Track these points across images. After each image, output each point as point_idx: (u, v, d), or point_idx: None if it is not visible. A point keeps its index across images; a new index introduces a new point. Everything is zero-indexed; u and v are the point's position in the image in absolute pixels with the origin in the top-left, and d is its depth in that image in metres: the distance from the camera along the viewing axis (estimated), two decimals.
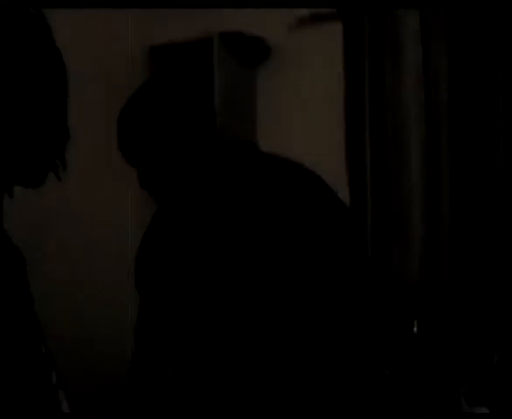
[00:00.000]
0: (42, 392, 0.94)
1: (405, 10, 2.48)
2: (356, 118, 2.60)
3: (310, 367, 1.42)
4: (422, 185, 2.47)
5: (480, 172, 2.37)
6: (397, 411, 1.84)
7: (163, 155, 1.52)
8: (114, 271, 2.71)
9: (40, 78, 0.96)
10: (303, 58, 2.78)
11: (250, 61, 2.92)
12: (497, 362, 2.20)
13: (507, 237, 2.34)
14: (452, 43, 2.42)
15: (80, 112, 2.68)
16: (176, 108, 1.54)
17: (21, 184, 0.99)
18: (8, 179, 0.98)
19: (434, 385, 2.25)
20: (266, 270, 1.42)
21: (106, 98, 2.79)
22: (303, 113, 2.79)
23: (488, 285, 2.36)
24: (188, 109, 1.56)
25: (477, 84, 2.38)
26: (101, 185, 2.83)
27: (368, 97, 2.57)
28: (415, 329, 2.30)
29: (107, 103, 2.82)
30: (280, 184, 1.48)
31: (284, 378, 1.40)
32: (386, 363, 2.25)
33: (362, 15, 2.57)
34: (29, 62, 0.94)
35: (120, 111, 1.61)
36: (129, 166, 1.58)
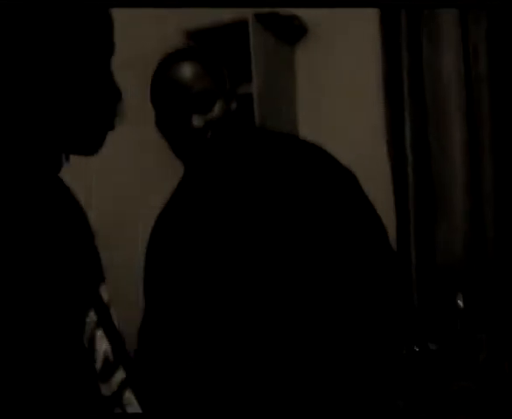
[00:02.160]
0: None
1: None
2: (395, 95, 2.58)
3: (323, 367, 1.41)
4: (464, 160, 2.45)
5: None
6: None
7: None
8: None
9: (90, 41, 0.95)
10: (340, 36, 2.77)
11: (287, 38, 2.91)
12: None
13: None
14: (490, 16, 2.37)
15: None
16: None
17: (78, 152, 0.97)
18: (65, 147, 0.95)
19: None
20: (289, 268, 1.42)
21: (142, 82, 2.83)
22: (342, 90, 2.78)
23: None
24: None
25: None
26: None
27: (406, 73, 2.55)
28: (460, 303, 2.29)
29: (144, 88, 2.87)
30: (312, 179, 1.49)
31: (293, 380, 1.39)
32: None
33: None
34: (79, 26, 0.93)
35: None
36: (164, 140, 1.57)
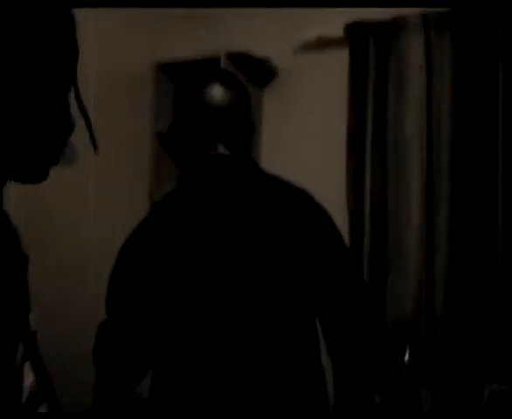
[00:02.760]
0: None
1: (410, 43, 2.50)
2: (358, 145, 2.62)
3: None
4: (420, 215, 2.48)
5: (481, 202, 2.38)
6: None
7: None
8: None
9: (47, 67, 0.86)
10: (309, 83, 2.81)
11: (257, 81, 2.95)
12: (488, 394, 2.20)
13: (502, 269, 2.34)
14: (455, 77, 2.43)
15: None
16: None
17: (21, 180, 0.89)
18: (7, 173, 0.88)
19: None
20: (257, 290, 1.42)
21: (113, 114, 2.83)
22: (307, 136, 2.81)
23: (482, 318, 2.36)
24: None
25: (478, 118, 2.39)
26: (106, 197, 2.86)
27: (371, 125, 2.59)
28: (406, 357, 2.30)
29: (114, 120, 2.87)
30: (276, 204, 1.49)
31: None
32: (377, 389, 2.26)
33: (367, 41, 2.60)
34: (38, 49, 0.84)
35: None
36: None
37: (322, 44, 2.76)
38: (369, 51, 2.61)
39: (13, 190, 0.93)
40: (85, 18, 2.69)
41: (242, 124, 1.49)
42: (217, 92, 1.46)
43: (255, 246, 1.44)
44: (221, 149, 1.45)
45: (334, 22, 2.68)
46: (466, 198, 2.40)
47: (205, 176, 1.48)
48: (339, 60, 2.69)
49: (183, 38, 3.07)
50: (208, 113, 1.45)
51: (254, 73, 2.92)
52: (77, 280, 2.70)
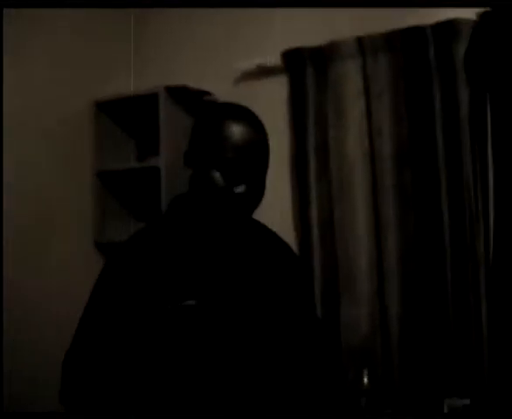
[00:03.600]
0: None
1: (346, 67, 2.52)
2: (302, 174, 2.62)
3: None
4: (368, 239, 2.48)
5: (426, 221, 2.39)
6: None
7: None
8: None
9: None
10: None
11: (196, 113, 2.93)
12: (448, 409, 2.20)
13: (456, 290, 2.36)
14: (393, 99, 2.46)
15: (25, 167, 2.66)
16: None
17: None
18: None
19: None
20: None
21: (50, 153, 2.76)
22: None
23: (436, 335, 2.37)
24: None
25: (418, 137, 2.42)
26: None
27: (313, 149, 2.60)
28: (365, 381, 2.28)
29: (53, 159, 2.81)
30: (262, 249, 1.58)
31: None
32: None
33: (304, 67, 2.61)
34: None
35: None
36: None
37: (261, 73, 2.77)
38: (306, 77, 2.62)
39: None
40: (17, 61, 2.63)
41: (262, 161, 1.50)
42: (236, 130, 1.45)
43: (236, 281, 1.49)
44: (239, 189, 1.45)
45: (272, 50, 2.69)
46: (413, 220, 2.41)
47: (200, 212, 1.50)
48: (279, 88, 2.69)
49: (120, 75, 3.03)
50: (234, 150, 1.44)
51: (194, 106, 2.90)
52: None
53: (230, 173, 1.43)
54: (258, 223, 1.65)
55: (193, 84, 2.83)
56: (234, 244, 1.53)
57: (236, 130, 1.44)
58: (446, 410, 2.20)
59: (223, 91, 2.89)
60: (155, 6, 2.99)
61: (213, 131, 1.46)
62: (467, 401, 2.20)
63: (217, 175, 1.44)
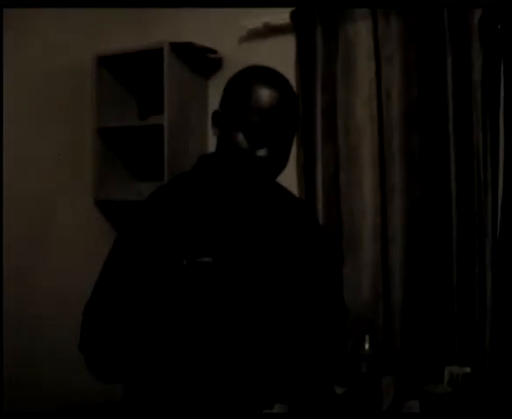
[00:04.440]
0: None
1: (357, 29, 2.47)
2: (308, 134, 2.58)
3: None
4: (374, 202, 2.45)
5: (435, 192, 2.37)
6: None
7: None
8: None
9: None
10: None
11: (202, 71, 2.88)
12: (448, 377, 2.20)
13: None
14: (404, 63, 2.41)
15: (24, 120, 2.61)
16: None
17: None
18: None
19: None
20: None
21: (50, 107, 2.71)
22: None
23: (438, 303, 2.36)
24: None
25: (428, 104, 2.37)
26: None
27: (320, 111, 2.55)
28: (366, 347, 2.27)
29: (52, 114, 2.75)
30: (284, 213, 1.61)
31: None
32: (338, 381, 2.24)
33: (314, 27, 2.55)
34: None
35: None
36: None
37: (268, 31, 2.71)
38: (315, 38, 2.56)
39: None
40: (23, 15, 2.57)
41: (289, 127, 1.48)
42: (263, 94, 1.44)
43: (257, 244, 1.51)
44: (261, 152, 1.44)
45: (280, 9, 2.63)
46: (420, 186, 2.38)
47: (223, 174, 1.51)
48: (286, 48, 2.64)
49: (124, 30, 2.96)
50: (260, 114, 1.43)
51: (199, 63, 2.85)
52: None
53: (253, 136, 1.43)
54: (281, 187, 1.66)
55: (198, 41, 2.78)
56: (254, 206, 1.53)
57: (263, 94, 1.43)
58: (446, 378, 2.20)
59: (229, 49, 2.84)
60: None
61: (240, 93, 1.46)
62: (467, 370, 2.20)
63: (240, 137, 1.44)
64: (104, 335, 1.43)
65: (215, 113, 1.54)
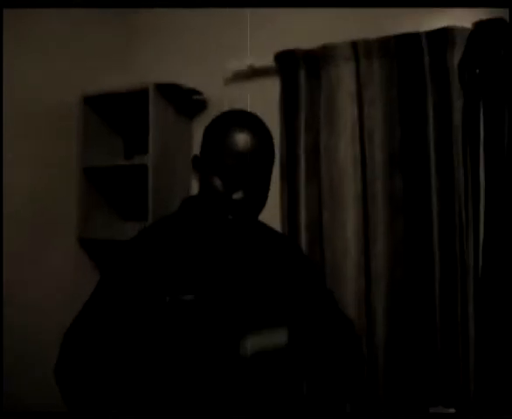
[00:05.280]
0: None
1: (340, 71, 2.51)
2: (292, 176, 2.60)
3: None
4: (357, 242, 2.47)
5: (415, 227, 2.39)
6: None
7: None
8: None
9: None
10: None
11: (186, 112, 2.90)
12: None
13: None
14: (386, 106, 2.45)
15: (14, 165, 2.61)
16: None
17: None
18: None
19: None
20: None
21: (36, 147, 2.72)
22: None
23: (422, 343, 2.36)
24: None
25: (411, 145, 2.41)
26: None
27: (303, 152, 2.58)
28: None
29: (38, 154, 2.76)
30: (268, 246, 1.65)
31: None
32: None
33: (297, 69, 2.59)
34: None
35: None
36: None
37: (253, 74, 2.75)
38: (299, 79, 2.60)
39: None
40: (9, 50, 2.59)
41: (264, 168, 1.51)
42: (239, 138, 1.46)
43: (239, 280, 1.54)
44: (236, 195, 1.47)
45: (264, 52, 2.67)
46: (403, 226, 2.40)
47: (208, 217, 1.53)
48: (270, 90, 2.67)
49: (110, 71, 2.99)
50: (235, 158, 1.46)
51: (184, 104, 2.87)
52: None
53: (229, 179, 1.46)
54: (264, 225, 1.70)
55: (183, 82, 2.81)
56: (234, 245, 1.56)
57: (237, 138, 1.46)
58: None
59: (214, 90, 2.87)
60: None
61: (216, 138, 1.49)
62: (452, 411, 2.19)
63: (217, 180, 1.47)
64: (81, 362, 1.44)
65: (194, 158, 1.58)
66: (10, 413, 2.34)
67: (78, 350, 1.45)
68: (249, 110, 1.58)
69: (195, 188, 2.85)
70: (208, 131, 1.55)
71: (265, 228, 1.71)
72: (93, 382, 1.42)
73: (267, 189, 1.54)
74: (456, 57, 2.30)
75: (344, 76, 2.51)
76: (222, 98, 2.83)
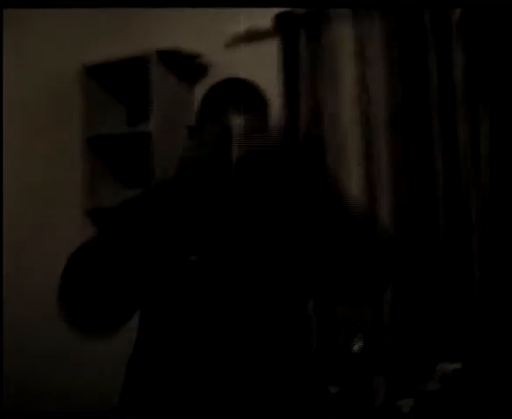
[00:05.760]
0: None
1: (340, 31, 2.49)
2: (291, 135, 2.59)
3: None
4: (362, 201, 2.47)
5: (421, 186, 2.38)
6: None
7: None
8: None
9: None
10: (241, 75, 2.76)
11: (188, 77, 2.89)
12: (440, 374, 2.22)
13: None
14: (386, 63, 2.43)
15: (18, 138, 2.62)
16: None
17: None
18: None
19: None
20: None
21: (39, 119, 2.72)
22: None
23: (428, 298, 2.38)
24: None
25: (412, 103, 2.39)
26: None
27: (305, 115, 2.57)
28: (357, 347, 2.30)
29: (42, 125, 2.76)
30: None
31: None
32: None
33: (298, 31, 2.57)
34: None
35: None
36: None
37: (253, 36, 2.73)
38: (299, 41, 2.58)
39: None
40: (9, 26, 2.58)
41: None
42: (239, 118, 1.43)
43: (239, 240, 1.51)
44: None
45: (264, 14, 2.64)
46: (406, 185, 2.40)
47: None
48: (270, 52, 2.66)
49: (110, 38, 2.97)
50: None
51: (185, 70, 2.86)
52: None
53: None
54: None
55: (184, 46, 2.78)
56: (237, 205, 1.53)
57: (233, 117, 1.43)
58: (437, 375, 2.22)
59: (214, 55, 2.85)
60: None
61: (211, 114, 1.49)
62: (458, 366, 2.21)
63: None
64: (86, 277, 1.38)
65: (190, 128, 1.56)
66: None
67: (85, 266, 1.40)
68: (249, 73, 1.58)
69: None
70: (203, 105, 1.55)
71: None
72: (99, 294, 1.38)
73: None
74: (457, 12, 2.28)
75: (345, 35, 2.50)
76: (223, 62, 2.81)
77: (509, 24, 2.19)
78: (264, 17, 2.66)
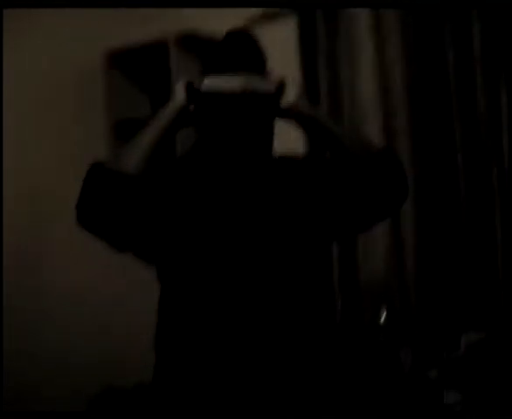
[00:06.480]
0: None
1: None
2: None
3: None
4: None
5: (441, 162, 2.39)
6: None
7: None
8: None
9: None
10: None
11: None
12: (465, 344, 2.23)
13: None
14: (403, 36, 2.43)
15: (41, 125, 2.66)
16: None
17: None
18: None
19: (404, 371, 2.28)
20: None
21: (64, 103, 2.76)
22: None
23: (452, 269, 2.39)
24: None
25: (431, 76, 2.39)
26: None
27: (325, 93, 2.58)
28: (383, 319, 2.32)
29: (66, 109, 2.79)
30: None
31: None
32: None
33: (315, 11, 2.58)
34: None
35: None
36: None
37: (270, 15, 2.73)
38: (316, 19, 2.59)
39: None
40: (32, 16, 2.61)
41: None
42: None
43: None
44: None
45: None
46: (426, 158, 2.41)
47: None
48: (289, 30, 2.66)
49: (128, 25, 2.99)
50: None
51: (204, 53, 2.87)
52: None
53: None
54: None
55: (201, 28, 2.80)
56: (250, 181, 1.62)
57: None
58: (463, 345, 2.23)
59: None
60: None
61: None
62: (482, 335, 2.23)
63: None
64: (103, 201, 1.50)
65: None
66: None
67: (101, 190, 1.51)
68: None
69: None
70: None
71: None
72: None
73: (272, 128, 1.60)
74: None
75: (362, 10, 2.50)
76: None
77: None
78: None
